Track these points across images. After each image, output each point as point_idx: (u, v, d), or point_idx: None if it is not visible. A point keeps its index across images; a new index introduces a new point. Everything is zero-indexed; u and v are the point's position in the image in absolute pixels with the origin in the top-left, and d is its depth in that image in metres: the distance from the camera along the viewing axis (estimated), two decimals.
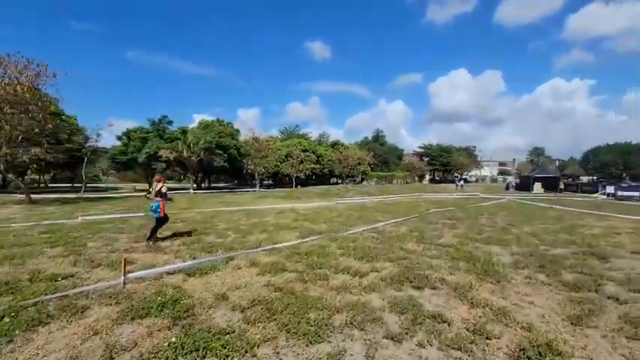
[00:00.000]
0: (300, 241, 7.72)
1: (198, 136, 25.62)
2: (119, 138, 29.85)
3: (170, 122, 30.04)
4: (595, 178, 59.20)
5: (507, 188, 43.17)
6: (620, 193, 25.92)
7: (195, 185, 29.05)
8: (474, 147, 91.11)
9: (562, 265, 5.89)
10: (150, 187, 7.35)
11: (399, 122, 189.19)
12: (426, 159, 76.41)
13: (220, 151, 27.10)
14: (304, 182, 43.50)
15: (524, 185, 39.50)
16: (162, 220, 7.41)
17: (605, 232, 9.55)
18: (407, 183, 60.03)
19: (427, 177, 75.69)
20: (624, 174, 61.14)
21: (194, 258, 6.08)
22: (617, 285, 4.88)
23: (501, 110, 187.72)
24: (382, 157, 75.30)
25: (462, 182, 39.85)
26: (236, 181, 46.58)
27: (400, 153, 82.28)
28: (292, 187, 36.03)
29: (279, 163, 39.80)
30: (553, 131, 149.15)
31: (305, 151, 43.04)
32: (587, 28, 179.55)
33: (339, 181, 52.42)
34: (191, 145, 24.37)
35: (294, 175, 37.61)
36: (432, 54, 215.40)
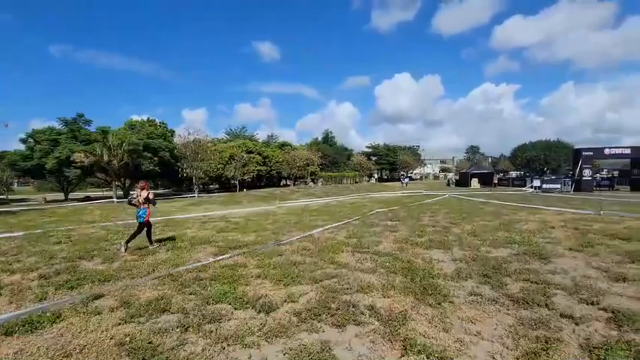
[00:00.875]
0: (212, 259, 6.26)
1: (121, 137, 22.46)
2: (23, 141, 25.15)
3: (88, 122, 26.14)
4: (522, 172, 65.05)
5: (448, 184, 45.32)
6: (544, 186, 28.07)
7: (122, 193, 25.65)
8: (418, 146, 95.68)
9: (506, 271, 5.21)
10: (135, 195, 7.39)
11: (348, 123, 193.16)
12: (373, 158, 78.23)
13: (149, 154, 24.10)
14: (251, 185, 41.40)
15: (463, 181, 41.67)
16: (143, 226, 7.21)
17: (540, 226, 9.45)
18: (356, 182, 60.59)
19: (375, 176, 77.43)
20: (545, 168, 67.98)
21: (42, 299, 4.35)
22: (567, 295, 4.23)
23: (441, 112, 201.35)
24: (331, 158, 75.35)
25: (406, 180, 40.80)
26: (173, 188, 42.78)
27: (350, 153, 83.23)
28: (237, 190, 33.82)
29: (221, 166, 37.25)
30: (486, 131, 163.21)
31: (250, 152, 40.88)
32: (511, 38, 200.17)
33: (290, 183, 51.07)
34: (112, 147, 21.21)
35: (238, 178, 35.39)
36: (377, 58, 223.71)
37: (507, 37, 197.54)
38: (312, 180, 47.23)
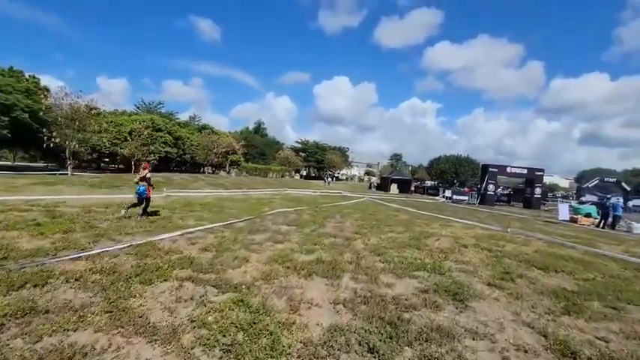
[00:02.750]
0: None
1: None
2: None
3: None
4: (436, 182, 70.06)
5: (370, 187, 45.73)
6: (455, 197, 29.23)
7: None
8: (347, 148, 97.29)
9: (407, 332, 3.17)
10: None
11: (285, 117, 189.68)
12: (302, 155, 76.67)
13: None
14: (157, 169, 35.77)
15: (384, 186, 42.27)
16: (142, 200, 8.45)
17: (453, 244, 8.09)
18: (282, 177, 58.13)
19: (302, 172, 75.99)
20: (455, 180, 74.44)
21: None
22: None
23: (373, 118, 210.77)
24: (259, 149, 71.75)
25: (330, 179, 39.65)
26: (48, 162, 34.55)
27: (280, 147, 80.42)
28: (132, 172, 28.38)
29: (118, 142, 31.12)
30: (410, 141, 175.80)
31: (158, 130, 35.23)
32: (439, 61, 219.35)
33: (210, 171, 46.13)
34: None
35: (138, 158, 29.86)
36: (320, 57, 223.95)
37: (436, 59, 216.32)
38: (225, 169, 43.05)
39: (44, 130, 19.95)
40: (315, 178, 72.46)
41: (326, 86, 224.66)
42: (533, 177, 28.94)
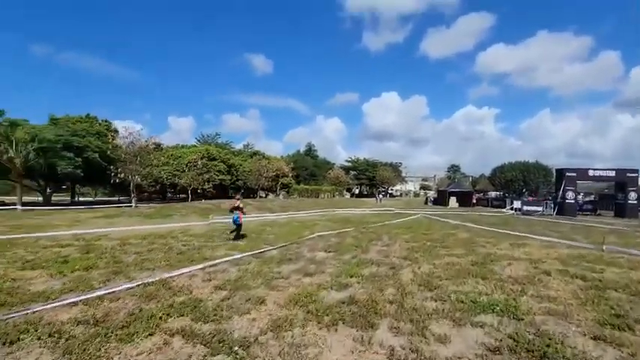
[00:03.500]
0: None
1: (34, 132, 18.53)
2: None
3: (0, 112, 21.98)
4: (501, 193, 63.69)
5: (426, 203, 42.87)
6: (525, 208, 25.70)
7: (41, 199, 21.44)
8: (400, 163, 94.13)
9: None
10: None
11: (335, 138, 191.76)
12: (353, 173, 75.70)
13: (69, 154, 20.18)
14: (214, 195, 37.65)
15: (441, 200, 39.22)
16: (241, 225, 9.99)
17: (530, 270, 6.42)
18: (333, 197, 57.63)
19: (356, 190, 74.77)
20: (524, 189, 67.01)
21: None
22: None
23: (425, 131, 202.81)
24: (309, 171, 72.67)
25: (381, 196, 38.02)
26: (118, 196, 38.19)
27: (331, 167, 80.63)
28: (189, 200, 29.99)
29: (178, 173, 33.38)
30: (467, 151, 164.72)
31: (212, 159, 37.24)
32: (493, 65, 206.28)
33: (264, 195, 47.45)
34: (16, 143, 17.25)
35: (193, 186, 31.60)
36: (367, 76, 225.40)
37: (490, 64, 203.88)
38: (276, 193, 43.56)
39: (111, 167, 22.07)
40: (366, 196, 70.65)
41: (374, 104, 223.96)
42: (624, 179, 24.27)
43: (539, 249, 8.97)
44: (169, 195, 44.41)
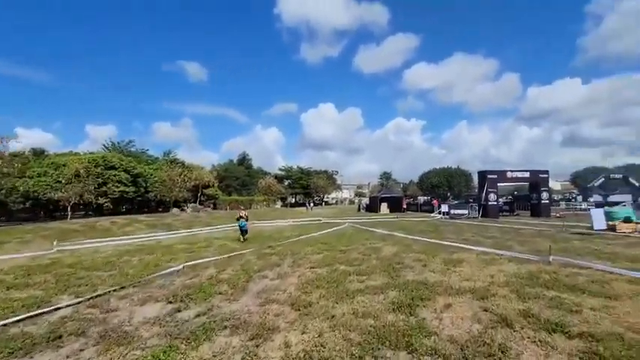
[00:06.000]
0: None
1: None
2: None
3: None
4: (429, 197, 66.37)
5: (359, 209, 41.70)
6: (452, 211, 25.30)
7: None
8: (337, 171, 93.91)
9: None
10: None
11: (274, 148, 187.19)
12: (287, 182, 72.82)
13: None
14: (113, 211, 31.25)
15: (373, 206, 38.27)
16: (247, 230, 12.79)
17: (478, 317, 3.99)
18: (266, 207, 53.82)
19: (291, 200, 71.74)
20: (448, 193, 71.00)
21: None
22: None
23: (360, 141, 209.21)
24: (241, 180, 67.96)
25: (312, 205, 35.55)
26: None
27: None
28: (68, 218, 23.76)
29: (58, 185, 26.66)
30: (398, 159, 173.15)
31: (111, 168, 30.96)
32: (418, 81, 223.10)
33: (186, 208, 41.46)
34: None
35: (81, 201, 25.40)
36: (304, 87, 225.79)
37: (415, 80, 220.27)
38: (184, 206, 38.34)
39: None
40: (301, 205, 68.16)
41: (312, 114, 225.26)
42: (537, 180, 25.28)
43: (480, 267, 6.83)
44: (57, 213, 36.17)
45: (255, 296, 5.19)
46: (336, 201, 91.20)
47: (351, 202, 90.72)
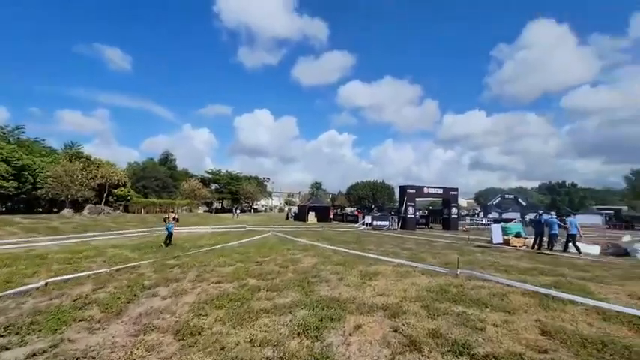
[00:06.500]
0: None
1: None
2: None
3: None
4: (355, 208, 69.03)
5: (287, 218, 41.09)
6: (375, 223, 26.28)
7: None
8: (268, 178, 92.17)
9: None
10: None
11: (204, 150, 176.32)
12: (215, 186, 68.86)
13: None
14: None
15: (301, 215, 38.05)
16: (171, 233, 11.83)
17: (388, 338, 3.65)
18: (190, 211, 49.64)
19: (215, 205, 67.71)
20: (373, 205, 74.86)
21: None
22: None
23: (295, 150, 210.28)
24: (162, 182, 62.16)
25: (238, 211, 33.87)
26: None
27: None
28: None
29: None
30: (330, 170, 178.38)
31: None
32: (352, 98, 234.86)
33: (101, 209, 35.49)
34: None
35: None
36: (240, 91, 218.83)
37: (349, 97, 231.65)
38: (76, 207, 33.45)
39: None
40: (229, 211, 64.92)
41: (247, 119, 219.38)
42: (449, 197, 27.90)
43: (395, 280, 6.74)
44: None
45: (133, 322, 4.15)
46: (266, 208, 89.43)
47: (281, 210, 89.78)
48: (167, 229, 11.89)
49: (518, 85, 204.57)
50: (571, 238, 12.26)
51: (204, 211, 55.54)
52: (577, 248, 11.84)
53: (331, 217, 37.83)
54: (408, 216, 25.66)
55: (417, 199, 27.32)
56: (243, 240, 14.19)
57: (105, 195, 35.32)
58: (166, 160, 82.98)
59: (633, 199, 47.52)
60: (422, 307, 4.89)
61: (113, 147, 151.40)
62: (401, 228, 25.02)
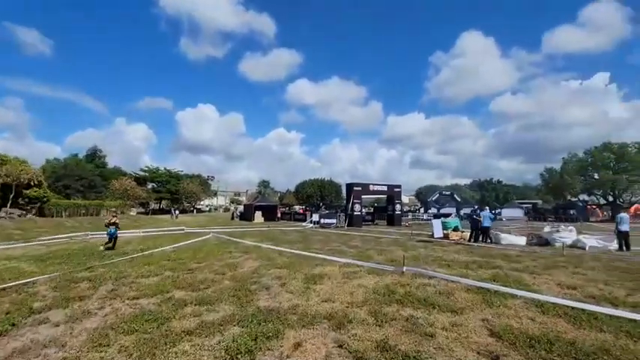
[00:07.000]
0: None
1: None
2: None
3: None
4: (304, 207, 68.83)
5: (233, 218, 39.28)
6: (323, 220, 26.12)
7: None
8: (213, 177, 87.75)
9: None
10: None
11: (141, 146, 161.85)
12: (152, 185, 63.55)
13: None
14: None
15: (248, 214, 36.63)
16: (115, 237, 11.62)
17: (332, 357, 3.14)
18: (122, 213, 44.86)
19: (152, 206, 62.45)
20: (321, 203, 75.42)
21: None
22: None
23: (242, 148, 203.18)
24: (87, 181, 55.65)
25: (177, 212, 31.44)
26: None
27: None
28: None
29: None
30: (278, 168, 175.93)
31: None
32: (300, 96, 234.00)
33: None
34: None
35: None
36: (183, 84, 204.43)
37: (297, 95, 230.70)
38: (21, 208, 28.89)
39: None
40: (168, 212, 60.34)
41: (190, 114, 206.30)
42: (393, 193, 28.82)
43: (341, 282, 6.33)
44: None
45: (73, 321, 3.10)
46: (210, 208, 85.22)
47: (227, 209, 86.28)
48: (109, 234, 11.56)
49: (454, 90, 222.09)
50: (484, 230, 13.80)
51: (138, 213, 50.79)
52: (489, 239, 13.86)
53: (279, 215, 37.04)
54: (355, 213, 25.91)
55: (363, 196, 27.75)
56: (179, 244, 12.86)
57: (11, 196, 30.23)
58: (94, 156, 74.89)
59: (546, 194, 54.08)
60: (369, 313, 4.50)
61: (28, 142, 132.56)
62: (348, 225, 25.16)
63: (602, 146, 42.63)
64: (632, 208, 36.50)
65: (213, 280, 6.58)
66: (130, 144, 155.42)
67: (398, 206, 28.70)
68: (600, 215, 44.36)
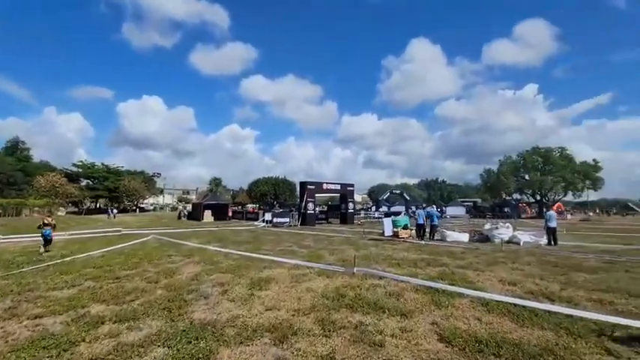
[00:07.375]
0: None
1: None
2: None
3: None
4: (257, 205, 67.29)
5: (180, 217, 36.84)
6: (275, 220, 25.48)
7: None
8: (159, 174, 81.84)
9: None
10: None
11: (75, 140, 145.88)
12: (86, 182, 57.60)
13: None
14: None
15: (196, 213, 34.61)
16: (51, 239, 11.05)
17: None
18: (50, 213, 39.69)
19: (87, 205, 56.60)
20: (275, 202, 74.33)
21: None
22: None
23: (192, 143, 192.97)
24: (5, 176, 48.95)
25: (115, 212, 28.72)
26: None
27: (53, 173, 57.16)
28: None
29: None
30: (231, 166, 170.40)
31: None
32: (255, 92, 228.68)
33: None
34: None
35: None
36: (125, 73, 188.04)
37: (252, 91, 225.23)
38: None
39: None
40: (105, 211, 55.03)
41: (134, 106, 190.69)
42: (346, 192, 29.10)
43: (289, 286, 5.91)
44: None
45: None
46: (155, 207, 79.74)
47: (174, 208, 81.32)
48: (44, 235, 10.92)
49: (404, 94, 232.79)
50: (419, 227, 14.71)
51: (68, 213, 45.73)
52: (423, 236, 14.70)
53: (230, 215, 35.55)
54: (308, 212, 25.67)
55: (316, 195, 27.60)
56: (111, 247, 11.48)
57: None
58: (15, 149, 66.19)
59: (485, 193, 58.77)
60: (316, 321, 4.15)
61: None
62: (301, 224, 24.84)
63: (532, 150, 47.43)
64: (555, 206, 41.03)
65: (143, 289, 5.77)
66: (61, 136, 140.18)
67: (351, 205, 29.04)
68: (529, 212, 49.29)
